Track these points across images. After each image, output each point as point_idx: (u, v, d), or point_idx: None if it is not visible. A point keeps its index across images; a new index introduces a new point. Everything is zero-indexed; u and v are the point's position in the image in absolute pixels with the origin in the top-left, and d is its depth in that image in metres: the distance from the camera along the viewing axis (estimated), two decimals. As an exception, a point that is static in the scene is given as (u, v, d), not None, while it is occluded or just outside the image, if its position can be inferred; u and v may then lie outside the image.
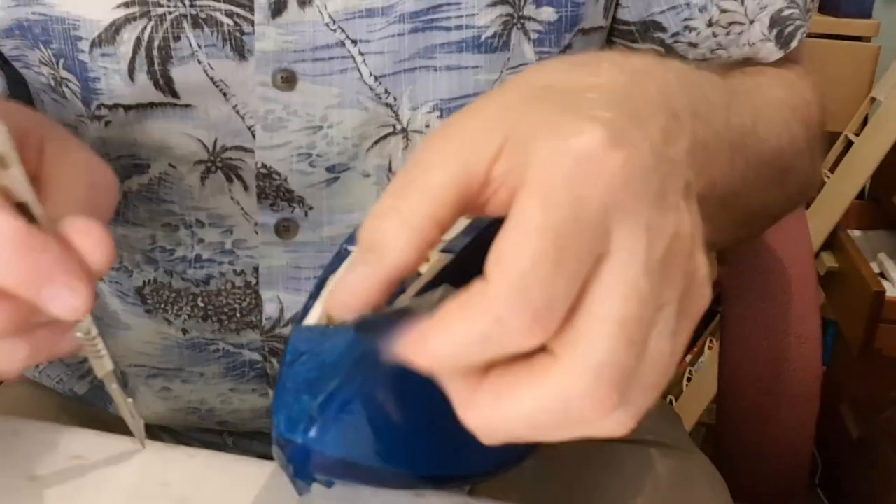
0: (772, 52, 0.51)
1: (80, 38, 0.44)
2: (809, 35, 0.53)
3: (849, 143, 1.50)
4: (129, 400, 0.37)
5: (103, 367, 0.34)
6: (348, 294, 0.26)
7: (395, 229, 0.26)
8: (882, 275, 1.48)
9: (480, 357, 0.24)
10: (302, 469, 0.29)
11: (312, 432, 0.28)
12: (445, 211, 0.26)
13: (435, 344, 0.24)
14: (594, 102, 0.26)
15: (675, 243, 0.25)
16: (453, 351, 0.24)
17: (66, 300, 0.29)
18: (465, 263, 0.29)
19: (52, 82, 0.47)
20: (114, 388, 0.36)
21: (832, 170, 1.48)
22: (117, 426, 0.56)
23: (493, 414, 0.25)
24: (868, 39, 1.55)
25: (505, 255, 0.24)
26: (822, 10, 1.60)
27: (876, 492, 1.31)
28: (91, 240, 0.30)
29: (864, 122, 1.52)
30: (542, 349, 0.25)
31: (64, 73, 0.46)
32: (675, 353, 0.26)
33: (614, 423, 0.25)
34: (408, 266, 0.26)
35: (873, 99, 1.52)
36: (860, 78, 1.54)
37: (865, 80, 1.54)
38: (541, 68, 0.29)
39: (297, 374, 0.29)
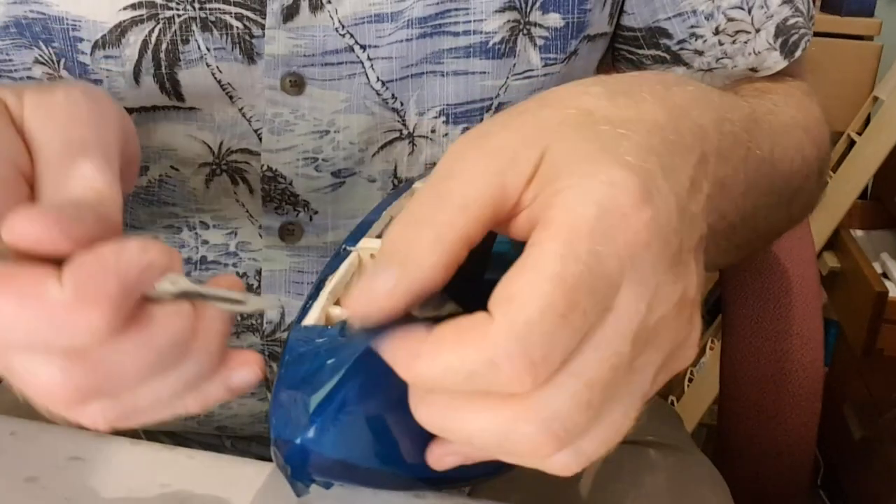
0: (777, 61, 0.51)
1: (80, 40, 0.43)
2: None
3: (851, 143, 1.50)
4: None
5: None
6: (371, 303, 0.25)
7: (428, 244, 0.25)
8: (885, 275, 1.47)
9: (463, 388, 0.24)
10: (300, 470, 0.29)
11: (310, 433, 0.28)
12: (478, 229, 0.25)
13: (423, 366, 0.24)
14: (632, 144, 0.26)
15: (675, 310, 0.25)
16: (439, 377, 0.24)
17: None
18: (473, 265, 0.29)
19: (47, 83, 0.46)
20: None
21: (834, 169, 1.48)
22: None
23: (437, 417, 0.25)
24: (870, 38, 1.54)
25: (514, 297, 0.23)
26: (825, 8, 1.60)
27: (878, 493, 1.30)
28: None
29: (867, 121, 1.52)
30: None
31: (63, 73, 0.45)
32: (638, 409, 0.26)
33: (558, 465, 0.25)
34: (436, 283, 0.25)
35: (876, 98, 1.52)
36: (862, 77, 1.54)
37: (868, 79, 1.54)
38: (581, 89, 0.28)
39: (295, 374, 0.28)
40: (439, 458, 0.28)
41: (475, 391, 0.24)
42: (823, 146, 0.48)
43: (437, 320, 0.25)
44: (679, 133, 0.27)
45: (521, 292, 0.23)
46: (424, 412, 0.26)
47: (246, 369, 0.28)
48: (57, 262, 0.25)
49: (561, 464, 0.25)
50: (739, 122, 0.34)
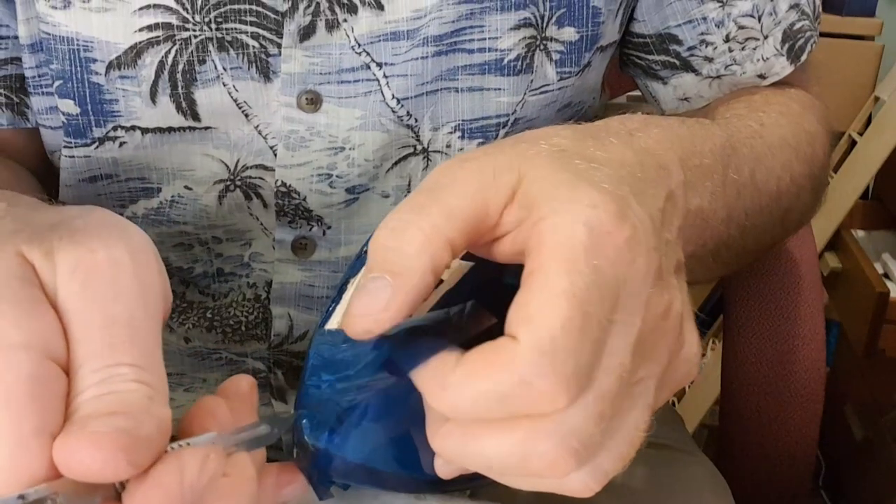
0: (784, 66, 0.51)
1: (93, 60, 0.43)
2: (812, 34, 0.53)
3: (852, 143, 1.50)
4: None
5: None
6: (369, 319, 0.25)
7: (417, 249, 0.25)
8: (886, 275, 1.47)
9: (497, 413, 0.24)
10: (323, 474, 0.30)
11: (335, 438, 0.29)
12: (462, 239, 0.26)
13: (455, 395, 0.24)
14: (604, 175, 0.27)
15: (665, 321, 0.26)
16: (471, 405, 0.24)
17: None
18: (484, 272, 0.30)
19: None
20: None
21: (835, 169, 1.48)
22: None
23: (454, 447, 0.26)
24: (872, 38, 1.54)
25: (533, 317, 0.24)
26: (826, 8, 1.60)
27: (879, 493, 1.31)
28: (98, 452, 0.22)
29: (868, 121, 1.52)
30: None
31: (47, 90, 0.45)
32: (647, 422, 0.27)
33: (577, 485, 0.26)
34: (428, 287, 0.25)
35: (877, 98, 1.52)
36: (864, 77, 1.53)
37: (869, 79, 1.54)
38: (552, 132, 0.30)
39: (319, 379, 0.29)
40: (443, 468, 0.29)
41: (497, 417, 0.25)
42: (816, 162, 0.49)
43: (458, 318, 0.26)
44: (645, 171, 0.29)
45: (538, 312, 0.24)
46: (441, 443, 0.26)
47: (293, 486, 0.29)
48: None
49: (580, 483, 0.26)
50: (710, 154, 0.35)
